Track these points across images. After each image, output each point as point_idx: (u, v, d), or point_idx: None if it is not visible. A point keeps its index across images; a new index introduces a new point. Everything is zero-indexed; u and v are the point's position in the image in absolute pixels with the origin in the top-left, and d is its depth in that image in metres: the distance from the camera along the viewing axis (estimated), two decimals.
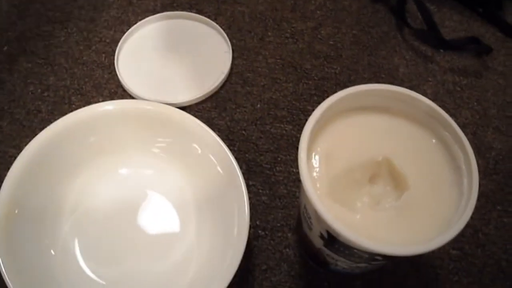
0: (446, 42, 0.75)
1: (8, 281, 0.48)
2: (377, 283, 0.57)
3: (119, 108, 0.59)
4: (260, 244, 0.58)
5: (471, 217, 0.40)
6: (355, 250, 0.42)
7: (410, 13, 0.79)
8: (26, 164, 0.55)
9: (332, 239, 0.43)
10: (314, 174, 0.44)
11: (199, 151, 0.58)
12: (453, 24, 0.78)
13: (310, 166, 0.44)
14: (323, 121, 0.45)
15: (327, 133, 0.46)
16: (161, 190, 0.60)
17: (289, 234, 0.59)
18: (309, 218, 0.46)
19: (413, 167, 0.44)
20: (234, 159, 0.55)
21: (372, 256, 0.43)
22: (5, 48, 0.75)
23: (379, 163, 0.45)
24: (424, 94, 0.46)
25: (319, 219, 0.41)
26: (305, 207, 0.46)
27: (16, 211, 0.53)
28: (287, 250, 0.58)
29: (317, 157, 0.45)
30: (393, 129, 0.47)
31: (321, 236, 0.45)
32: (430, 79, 0.72)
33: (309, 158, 0.44)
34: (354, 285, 0.56)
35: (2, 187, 0.53)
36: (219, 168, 0.56)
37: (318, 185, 0.43)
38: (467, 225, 0.39)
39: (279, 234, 0.59)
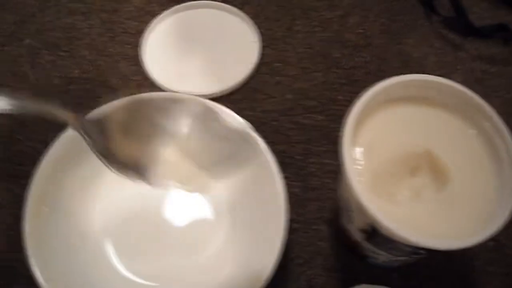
0: (475, 29, 0.74)
1: (40, 278, 0.48)
2: (413, 275, 0.56)
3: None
4: (294, 237, 0.58)
5: None
6: (398, 244, 0.42)
7: (438, 0, 0.78)
8: (55, 161, 0.55)
9: (375, 233, 0.43)
10: (357, 167, 0.43)
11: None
12: (480, 11, 0.78)
13: (352, 159, 0.43)
14: (363, 113, 0.45)
15: (367, 125, 0.46)
16: None
17: (323, 227, 0.59)
18: (351, 211, 0.46)
19: (453, 159, 0.44)
20: (269, 150, 0.54)
21: (415, 249, 0.42)
22: (27, 41, 0.75)
23: (420, 155, 0.44)
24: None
25: (363, 213, 0.40)
26: (346, 200, 0.46)
27: (46, 209, 0.53)
28: (322, 243, 0.58)
29: (359, 149, 0.44)
30: (432, 120, 0.46)
31: (363, 230, 0.45)
32: (459, 67, 0.71)
33: (351, 150, 0.43)
34: (391, 277, 0.56)
35: (31, 184, 0.53)
36: (253, 159, 0.56)
37: (361, 178, 0.43)
38: None
39: (314, 227, 0.59)
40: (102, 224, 0.58)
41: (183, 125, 0.39)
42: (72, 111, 0.37)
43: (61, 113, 0.36)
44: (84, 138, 0.37)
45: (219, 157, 0.38)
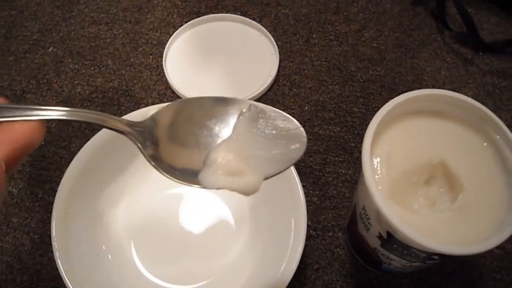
0: (485, 45, 0.75)
1: (67, 281, 0.50)
2: (424, 281, 0.58)
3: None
4: (312, 244, 0.60)
5: None
6: (413, 250, 0.43)
7: (450, 16, 0.80)
8: (82, 166, 0.56)
9: (390, 239, 0.45)
10: (376, 176, 0.45)
11: None
12: (490, 27, 0.79)
13: (372, 169, 0.45)
14: (381, 125, 0.46)
15: (385, 137, 0.47)
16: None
17: (339, 234, 0.60)
18: (368, 219, 0.47)
19: (467, 170, 0.45)
20: None
21: (430, 255, 0.44)
22: (51, 49, 0.76)
23: (435, 166, 0.46)
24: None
25: (382, 219, 0.42)
26: (363, 208, 0.48)
27: (72, 211, 0.54)
28: (338, 249, 0.59)
29: (377, 159, 0.46)
30: (446, 133, 0.48)
31: (379, 236, 0.47)
32: (470, 81, 0.73)
33: (370, 161, 0.45)
34: (402, 283, 0.58)
35: (58, 188, 0.54)
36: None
37: (379, 187, 0.44)
38: None
39: (330, 234, 0.60)
40: (126, 227, 0.59)
41: (231, 126, 0.40)
42: (123, 118, 0.39)
43: (113, 120, 0.38)
44: (135, 143, 0.38)
45: (269, 156, 0.39)
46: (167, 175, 0.38)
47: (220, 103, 0.41)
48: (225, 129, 0.40)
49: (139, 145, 0.38)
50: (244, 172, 0.39)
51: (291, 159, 0.40)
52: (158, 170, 0.38)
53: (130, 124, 0.39)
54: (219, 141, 0.40)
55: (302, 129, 0.40)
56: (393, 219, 0.40)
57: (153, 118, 0.40)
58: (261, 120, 0.40)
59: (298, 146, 0.40)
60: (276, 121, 0.40)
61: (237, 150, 0.39)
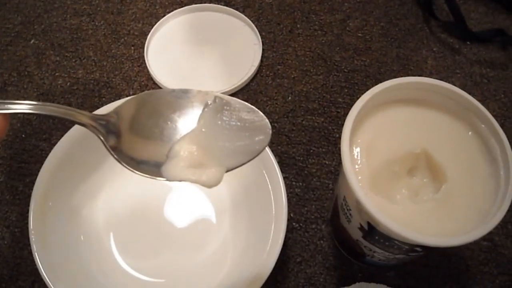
0: (473, 34, 0.75)
1: (44, 274, 0.49)
2: (409, 274, 0.57)
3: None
4: (294, 236, 0.59)
5: None
6: (395, 241, 0.43)
7: (436, 5, 0.79)
8: (60, 158, 0.55)
9: (372, 231, 0.44)
10: (356, 166, 0.44)
11: None
12: (478, 16, 0.79)
13: (352, 159, 0.44)
14: (362, 114, 0.46)
15: (366, 126, 0.46)
16: None
17: (323, 226, 0.60)
18: (349, 210, 0.46)
19: (450, 159, 0.44)
20: (271, 151, 0.55)
21: (412, 247, 0.43)
22: (32, 41, 0.76)
23: (418, 156, 0.45)
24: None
25: (361, 210, 0.42)
26: (344, 199, 0.47)
27: (50, 204, 0.54)
28: (321, 242, 0.59)
29: (357, 149, 0.45)
30: (429, 122, 0.47)
31: (361, 228, 0.46)
32: (457, 71, 0.72)
33: (350, 150, 0.44)
34: (387, 276, 0.57)
35: (36, 180, 0.53)
36: (255, 160, 0.56)
37: (359, 177, 0.44)
38: None
39: (313, 226, 0.60)
40: (105, 221, 0.59)
41: (196, 118, 0.40)
42: (85, 110, 0.38)
43: (75, 112, 0.37)
44: (98, 135, 0.38)
45: (233, 148, 0.39)
46: (129, 167, 0.38)
47: (185, 96, 0.41)
48: (190, 121, 0.40)
49: (102, 138, 0.38)
50: (206, 164, 0.39)
51: (255, 150, 0.40)
52: (121, 163, 0.38)
53: (94, 117, 0.38)
54: (183, 133, 0.40)
55: (267, 121, 0.40)
56: (372, 210, 0.40)
57: (116, 111, 0.40)
58: (226, 112, 0.40)
59: (262, 137, 0.40)
60: (241, 113, 0.40)
61: (200, 142, 0.39)
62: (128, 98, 0.42)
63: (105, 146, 0.38)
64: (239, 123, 0.40)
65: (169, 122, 0.40)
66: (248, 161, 0.40)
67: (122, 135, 0.39)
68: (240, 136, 0.40)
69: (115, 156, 0.38)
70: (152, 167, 0.38)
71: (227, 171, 0.39)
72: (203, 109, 0.40)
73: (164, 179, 0.38)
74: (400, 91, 0.47)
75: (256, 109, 0.41)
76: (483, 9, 0.79)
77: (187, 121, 0.40)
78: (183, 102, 0.41)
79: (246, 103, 0.41)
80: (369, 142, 0.46)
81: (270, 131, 0.40)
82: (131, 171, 0.38)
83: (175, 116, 0.41)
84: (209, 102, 0.40)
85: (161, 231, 0.58)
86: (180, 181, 0.38)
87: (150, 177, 0.38)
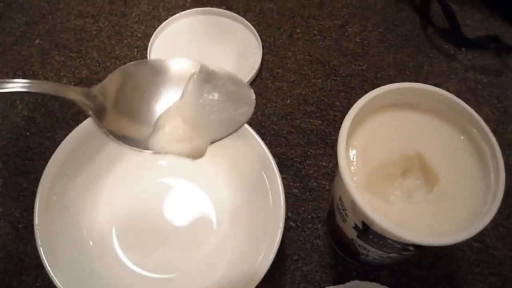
0: (468, 41, 0.76)
1: (49, 268, 0.50)
2: (403, 273, 0.58)
3: None
4: (291, 235, 0.60)
5: None
6: (389, 241, 0.44)
7: (433, 12, 0.80)
8: (65, 156, 0.56)
9: (366, 230, 0.45)
10: (352, 168, 0.46)
11: (235, 143, 0.58)
12: (474, 23, 0.80)
13: (348, 160, 0.45)
14: (359, 118, 0.47)
15: (362, 129, 0.48)
16: (196, 180, 0.62)
17: (319, 226, 0.61)
18: (344, 209, 0.48)
19: (443, 162, 0.45)
20: (269, 153, 0.56)
21: (405, 246, 0.44)
22: (37, 41, 0.76)
23: (411, 158, 0.46)
24: (447, 91, 0.47)
25: (356, 210, 0.43)
26: (340, 199, 0.48)
27: (55, 199, 0.54)
28: (318, 241, 0.60)
29: (353, 151, 0.46)
30: (423, 126, 0.48)
31: (356, 227, 0.47)
32: (452, 76, 0.74)
33: (346, 153, 0.45)
34: (381, 275, 0.58)
35: (41, 178, 0.54)
36: (254, 161, 0.57)
37: (355, 178, 0.45)
38: None
39: (310, 226, 0.61)
40: (108, 218, 0.59)
41: (181, 89, 0.40)
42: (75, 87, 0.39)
43: (65, 89, 0.38)
44: (87, 110, 0.38)
45: (217, 120, 0.39)
46: (117, 141, 0.39)
47: (171, 65, 0.41)
48: (175, 92, 0.40)
49: (91, 113, 0.38)
50: (190, 137, 0.39)
51: (239, 122, 0.40)
52: (109, 136, 0.38)
53: (84, 92, 0.39)
54: (168, 105, 0.40)
55: (252, 91, 0.40)
56: (366, 209, 0.41)
57: (103, 85, 0.40)
58: (211, 83, 0.40)
59: (246, 109, 0.40)
60: (226, 84, 0.40)
61: (185, 114, 0.39)
62: (114, 72, 0.42)
63: (94, 120, 0.38)
64: (223, 95, 0.40)
65: (155, 94, 0.40)
66: (232, 132, 0.40)
67: (109, 109, 0.39)
68: (225, 108, 0.39)
69: (103, 129, 0.38)
70: (139, 141, 0.39)
71: (212, 142, 0.39)
72: (188, 79, 0.40)
73: (151, 151, 0.39)
74: (396, 96, 0.48)
75: (242, 81, 0.40)
76: (479, 16, 0.81)
77: (172, 92, 0.40)
78: (169, 73, 0.41)
79: (233, 74, 0.41)
80: (365, 144, 0.47)
81: (254, 102, 0.40)
82: (120, 144, 0.39)
83: (159, 88, 0.41)
84: (194, 72, 0.41)
85: (161, 229, 0.59)
86: (166, 153, 0.38)
87: (138, 150, 0.39)
